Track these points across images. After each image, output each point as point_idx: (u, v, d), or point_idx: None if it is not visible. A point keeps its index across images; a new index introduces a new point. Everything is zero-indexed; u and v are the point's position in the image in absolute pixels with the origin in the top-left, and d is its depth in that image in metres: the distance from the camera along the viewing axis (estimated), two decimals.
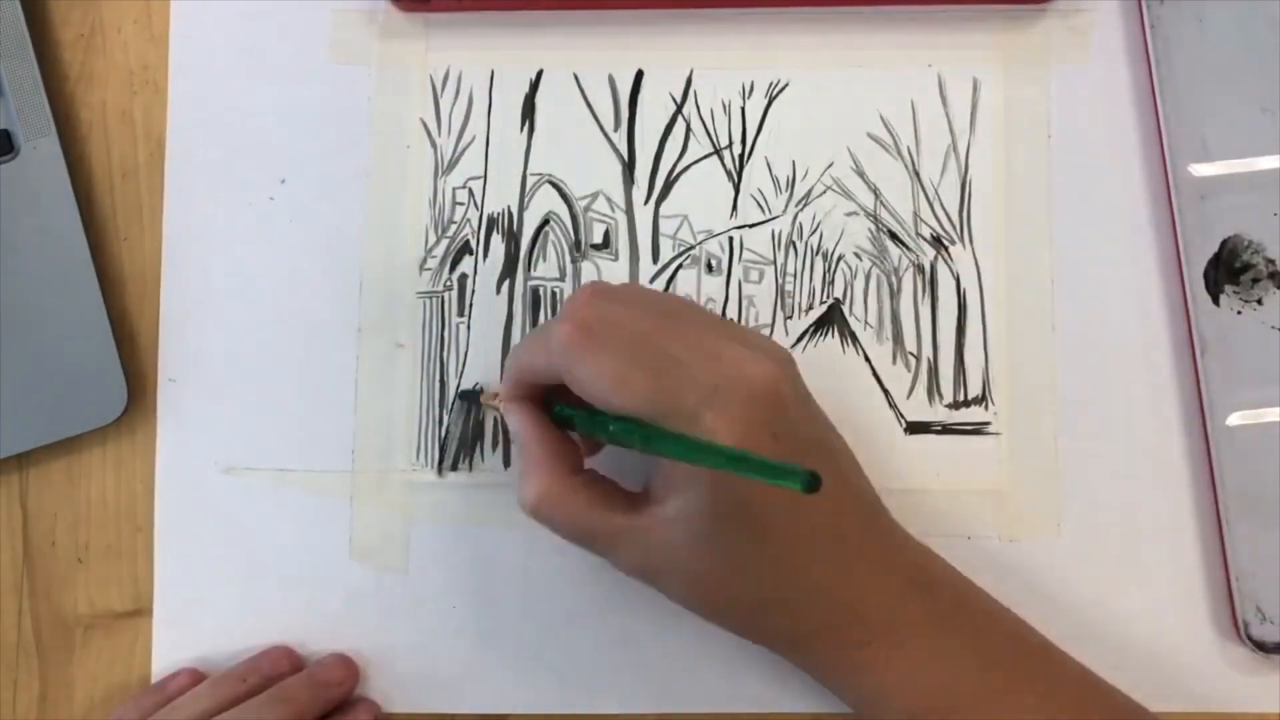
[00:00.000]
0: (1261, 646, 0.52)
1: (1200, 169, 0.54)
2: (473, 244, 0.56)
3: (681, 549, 0.44)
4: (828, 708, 0.54)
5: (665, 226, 0.56)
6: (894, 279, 0.55)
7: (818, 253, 0.56)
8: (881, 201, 0.56)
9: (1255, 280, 0.54)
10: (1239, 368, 0.53)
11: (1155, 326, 0.55)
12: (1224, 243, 0.54)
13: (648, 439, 0.42)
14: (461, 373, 0.55)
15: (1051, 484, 0.54)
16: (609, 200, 0.56)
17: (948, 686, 0.45)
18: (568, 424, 0.48)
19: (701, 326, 0.45)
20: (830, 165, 0.56)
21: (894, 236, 0.56)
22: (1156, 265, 0.55)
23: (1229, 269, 0.54)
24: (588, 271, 0.56)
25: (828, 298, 0.56)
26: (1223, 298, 0.54)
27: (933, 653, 0.45)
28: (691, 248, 0.56)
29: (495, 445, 0.55)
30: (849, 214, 0.56)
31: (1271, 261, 0.54)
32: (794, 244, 0.56)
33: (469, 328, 0.55)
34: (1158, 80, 0.54)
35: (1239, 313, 0.54)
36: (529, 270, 0.56)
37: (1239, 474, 0.53)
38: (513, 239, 0.56)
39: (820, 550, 0.45)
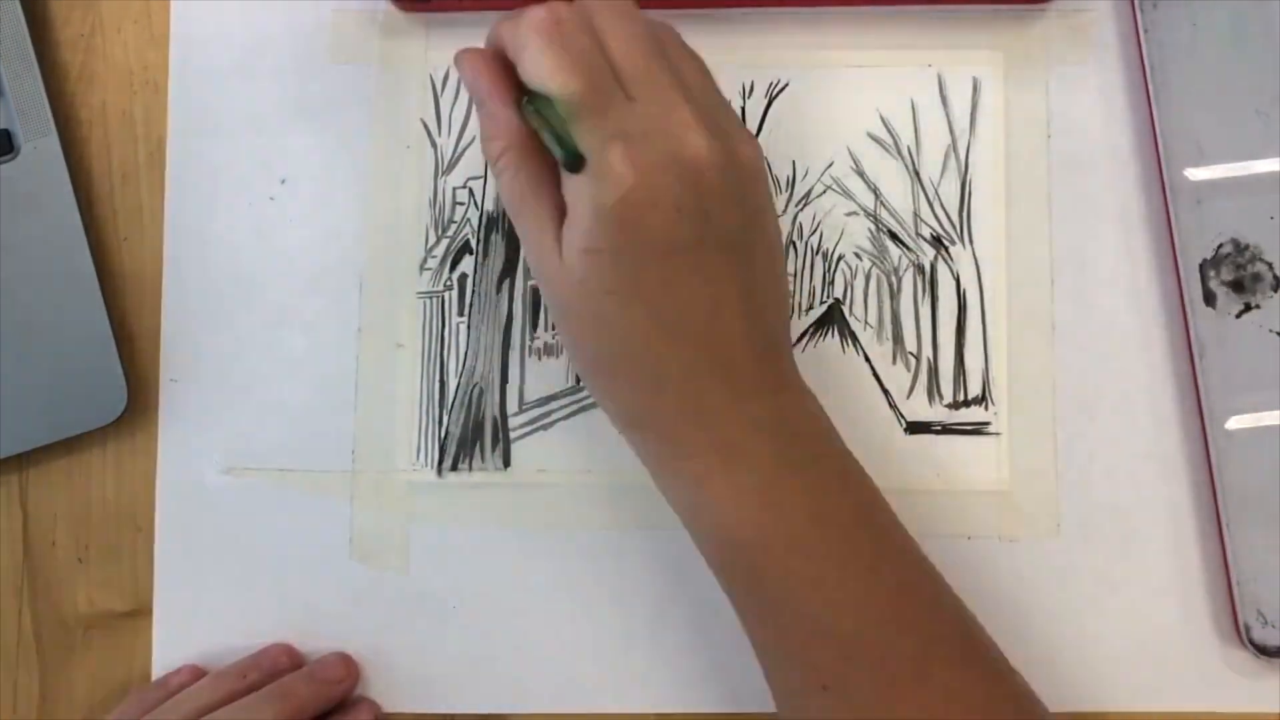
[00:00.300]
0: (1263, 650, 0.52)
1: (1196, 173, 0.54)
2: (473, 244, 0.56)
3: (568, 283, 0.43)
4: None
5: None
6: (894, 279, 0.56)
7: (818, 253, 0.56)
8: (881, 201, 0.56)
9: (1253, 284, 0.54)
10: (1237, 371, 0.53)
11: (1154, 328, 0.55)
12: (1220, 246, 0.54)
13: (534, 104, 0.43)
14: (461, 373, 0.55)
15: (1051, 484, 0.54)
16: None
17: (764, 525, 0.44)
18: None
19: (669, 85, 0.43)
20: (830, 165, 0.56)
21: (894, 236, 0.56)
22: (1155, 266, 0.55)
23: (1226, 273, 0.54)
24: None
25: (828, 298, 0.56)
26: (1220, 301, 0.54)
27: (762, 489, 0.44)
28: None
29: (495, 445, 0.55)
30: (849, 214, 0.56)
31: (1269, 265, 0.54)
32: (794, 244, 0.56)
33: (469, 328, 0.55)
34: (1152, 85, 0.54)
35: (1237, 316, 0.54)
36: (529, 270, 0.56)
37: (1239, 478, 0.53)
38: (513, 239, 0.56)
39: (692, 339, 0.44)
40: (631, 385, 0.45)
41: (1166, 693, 0.53)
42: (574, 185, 0.42)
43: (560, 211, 0.44)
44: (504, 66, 0.45)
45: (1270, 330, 0.54)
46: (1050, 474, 0.54)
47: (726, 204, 0.43)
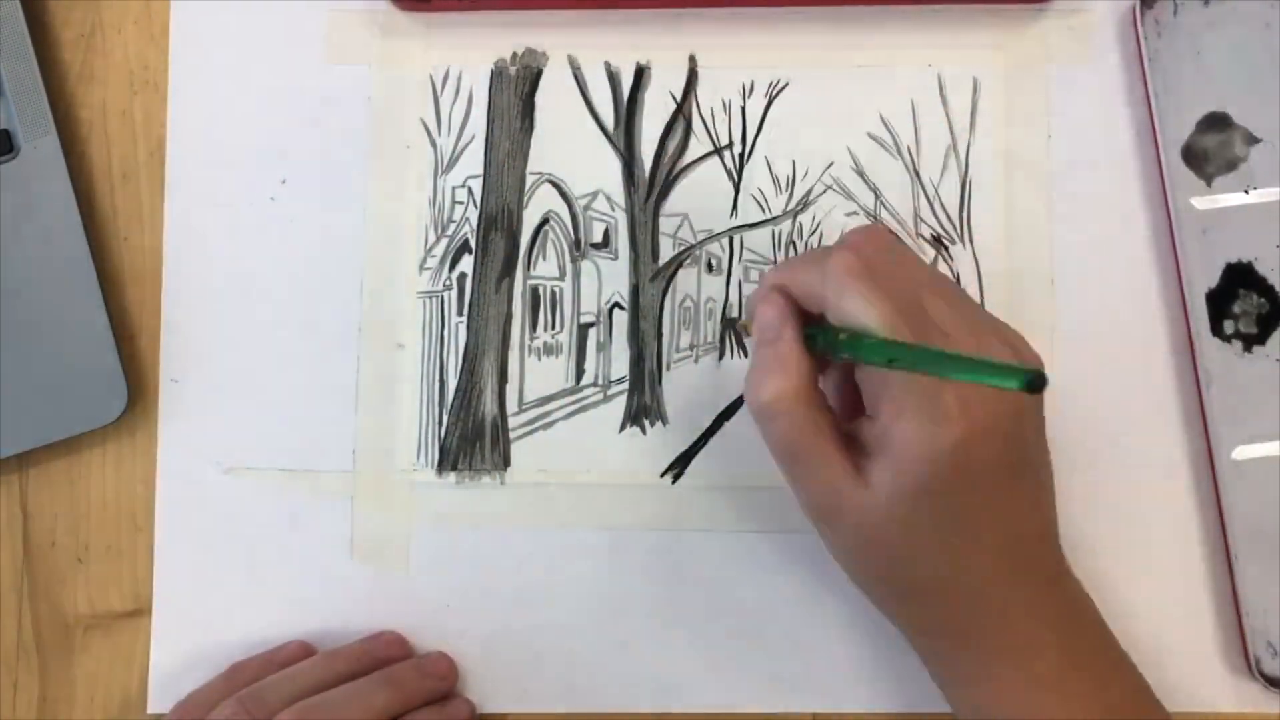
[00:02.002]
0: (1273, 682, 0.52)
1: (1201, 202, 0.54)
2: (472, 243, 0.56)
3: (879, 522, 0.43)
4: (828, 708, 0.54)
5: (665, 226, 0.56)
6: None
7: None
8: (882, 201, 0.56)
9: (1260, 313, 0.54)
10: (1244, 401, 0.53)
11: (1156, 326, 0.55)
12: (1225, 275, 0.54)
13: (891, 353, 0.41)
14: (461, 372, 0.55)
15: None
16: (609, 199, 0.56)
17: (1057, 716, 0.44)
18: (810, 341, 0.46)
19: (972, 314, 0.44)
20: (830, 165, 0.56)
21: None
22: (1158, 267, 0.55)
23: (1232, 302, 0.54)
24: (587, 270, 0.56)
25: None
26: (1226, 331, 0.54)
27: (1058, 687, 0.45)
28: (692, 247, 0.56)
29: (495, 445, 0.55)
30: (849, 214, 0.56)
31: (1276, 293, 0.54)
32: (794, 244, 0.56)
33: (469, 327, 0.55)
34: (1157, 113, 0.54)
35: (1244, 346, 0.54)
36: (529, 269, 0.56)
37: (1247, 509, 0.53)
38: (512, 238, 0.56)
39: (997, 550, 0.44)
40: (932, 602, 0.45)
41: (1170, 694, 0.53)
42: (898, 429, 0.42)
43: (843, 445, 0.44)
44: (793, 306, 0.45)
45: (1278, 360, 0.54)
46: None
47: (1034, 428, 0.45)
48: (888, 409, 0.42)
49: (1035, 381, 0.34)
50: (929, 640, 0.47)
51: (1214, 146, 0.54)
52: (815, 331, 0.45)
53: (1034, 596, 0.45)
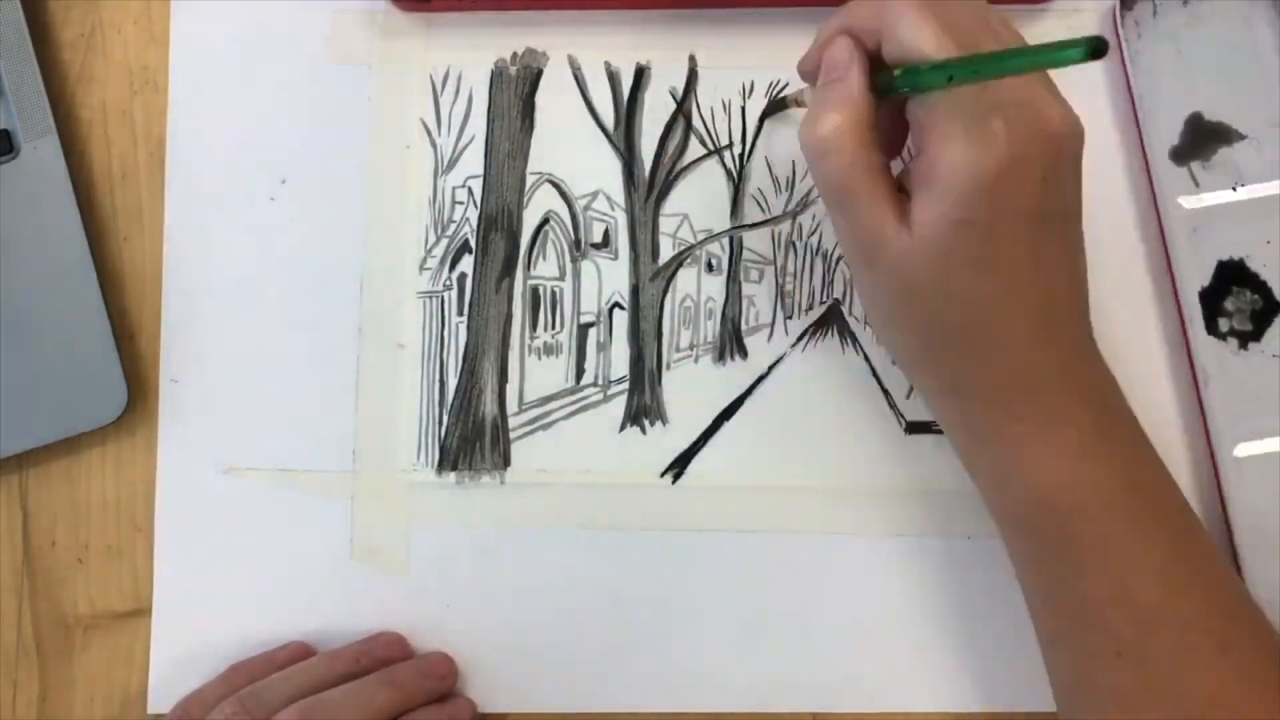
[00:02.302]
0: None
1: (1189, 201, 0.54)
2: (472, 243, 0.56)
3: (919, 261, 0.43)
4: (828, 708, 0.54)
5: (665, 225, 0.56)
6: None
7: (817, 253, 0.56)
8: None
9: (1254, 310, 0.54)
10: (1243, 398, 0.53)
11: (1155, 323, 0.55)
12: (1217, 273, 0.54)
13: (946, 70, 0.41)
14: (461, 372, 0.55)
15: None
16: (609, 199, 0.56)
17: (1081, 486, 0.45)
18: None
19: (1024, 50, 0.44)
20: None
21: None
22: (1155, 266, 0.55)
23: (1226, 300, 0.54)
24: (587, 270, 0.56)
25: (827, 298, 0.56)
26: (1221, 329, 0.54)
27: (1083, 455, 0.45)
28: (692, 247, 0.56)
29: (495, 445, 0.55)
30: None
31: (1270, 290, 0.54)
32: (794, 244, 0.56)
33: (469, 327, 0.55)
34: (1142, 114, 0.54)
35: (1240, 343, 0.54)
36: (529, 269, 0.56)
37: (1250, 506, 0.53)
38: (512, 238, 0.56)
39: (1031, 305, 0.44)
40: (965, 356, 0.45)
41: None
42: (945, 157, 0.42)
43: (893, 190, 0.44)
44: (860, 47, 0.45)
45: (1274, 355, 0.54)
46: None
47: (1074, 173, 0.44)
48: (935, 140, 0.42)
49: (1099, 46, 0.35)
50: (956, 400, 0.47)
51: (1200, 145, 0.55)
52: (879, 74, 0.44)
53: (1065, 362, 0.45)
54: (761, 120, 0.56)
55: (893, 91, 0.44)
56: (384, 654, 0.53)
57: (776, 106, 0.56)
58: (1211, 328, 0.54)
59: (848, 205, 0.44)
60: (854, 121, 0.44)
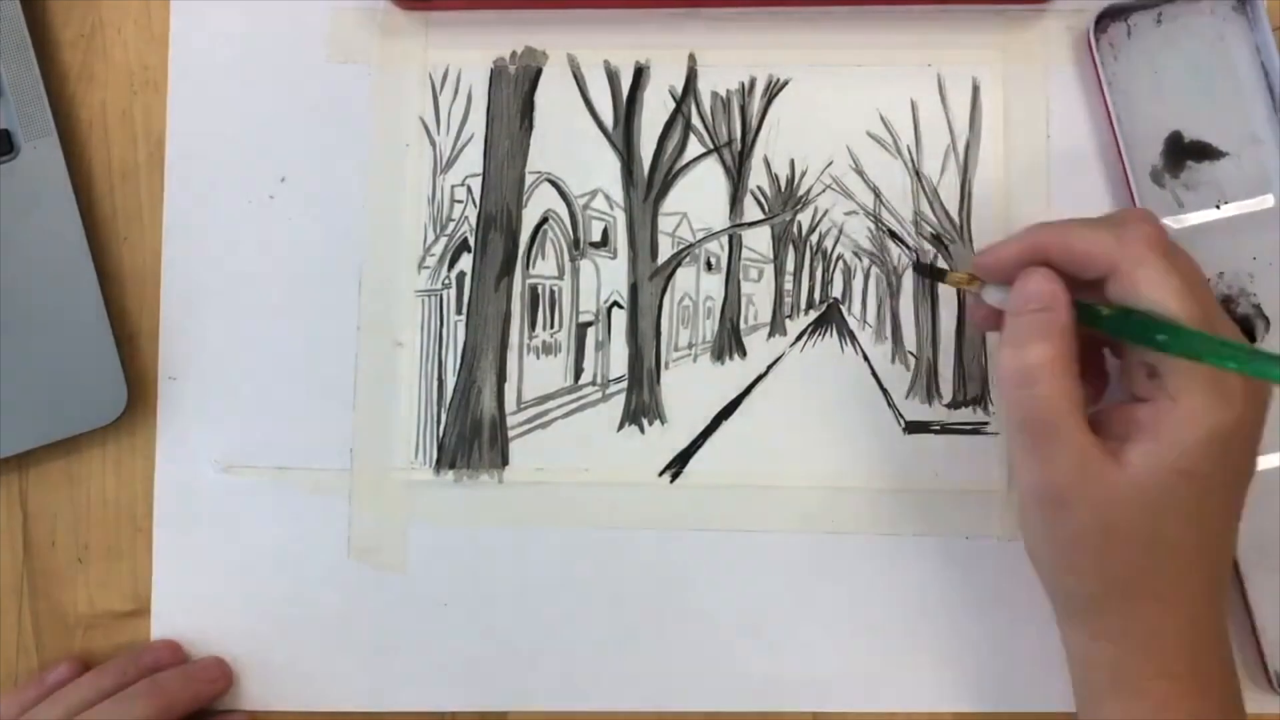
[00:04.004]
0: None
1: (1173, 222, 0.54)
2: (471, 242, 0.56)
3: (1126, 503, 0.42)
4: (828, 708, 0.54)
5: (664, 224, 0.56)
6: (893, 278, 0.55)
7: (817, 252, 0.56)
8: (881, 201, 0.56)
9: (1244, 326, 0.54)
10: None
11: None
12: None
13: (1175, 336, 0.41)
14: (460, 371, 0.55)
15: None
16: (608, 198, 0.56)
17: None
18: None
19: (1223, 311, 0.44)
20: (830, 164, 0.56)
21: (894, 236, 0.56)
22: None
23: None
24: (586, 269, 0.56)
25: (827, 297, 0.56)
26: None
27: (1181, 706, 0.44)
28: (691, 246, 0.56)
29: (493, 444, 0.55)
30: (848, 213, 0.56)
31: (1257, 306, 0.54)
32: (793, 243, 0.56)
33: (468, 326, 0.55)
34: (1121, 136, 0.54)
35: None
36: (528, 268, 0.56)
37: (1252, 523, 0.52)
38: (511, 237, 0.56)
39: (1212, 563, 0.44)
40: (1139, 603, 0.44)
41: None
42: (1184, 406, 0.41)
43: (1086, 425, 0.43)
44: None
45: None
46: None
47: (1254, 450, 0.44)
48: (1174, 384, 0.42)
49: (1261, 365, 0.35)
50: (1109, 646, 0.45)
51: (1180, 164, 0.55)
52: (1086, 304, 0.44)
53: (1221, 624, 0.45)
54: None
55: (1095, 326, 0.43)
56: (152, 663, 0.53)
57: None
58: None
59: (1047, 440, 0.43)
60: (1062, 354, 0.43)
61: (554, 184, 0.56)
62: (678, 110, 0.56)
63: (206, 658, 0.54)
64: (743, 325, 0.56)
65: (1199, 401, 0.41)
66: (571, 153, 0.56)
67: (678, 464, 0.55)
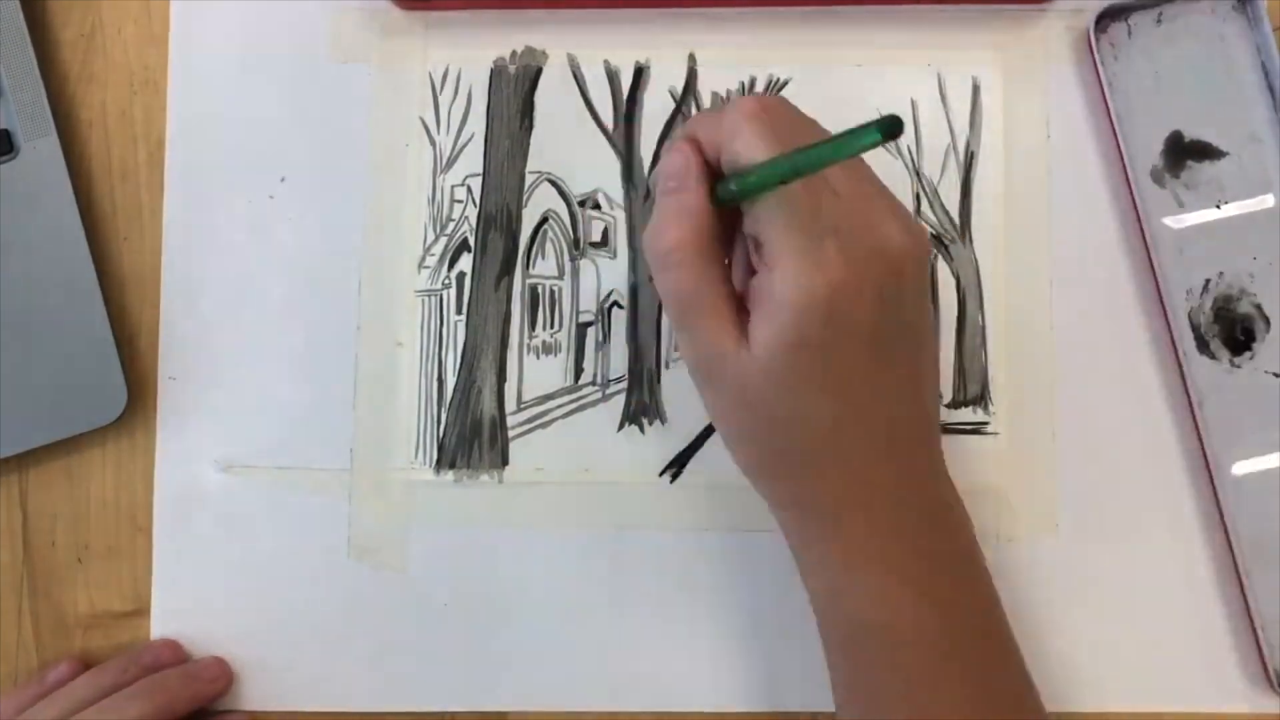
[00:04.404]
0: None
1: (1174, 221, 0.54)
2: (471, 242, 0.56)
3: (757, 382, 0.42)
4: (828, 707, 0.54)
5: None
6: None
7: None
8: None
9: (1244, 327, 0.54)
10: (1238, 417, 0.53)
11: (1157, 328, 0.55)
12: (1207, 290, 0.54)
13: (766, 173, 0.41)
14: (460, 371, 0.55)
15: (1049, 484, 0.54)
16: (608, 198, 0.56)
17: (902, 614, 0.44)
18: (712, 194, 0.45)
19: (864, 180, 0.44)
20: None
21: None
22: (1142, 290, 0.55)
23: (1216, 319, 0.54)
24: (586, 269, 0.56)
25: None
26: (1214, 347, 0.54)
27: (909, 580, 0.44)
28: None
29: (493, 444, 0.55)
30: None
31: (1257, 306, 0.54)
32: None
33: (468, 326, 0.55)
34: (1121, 135, 0.54)
35: (1232, 361, 0.54)
36: (527, 268, 0.56)
37: (1252, 524, 0.53)
38: (511, 237, 0.56)
39: (872, 426, 0.43)
40: (804, 472, 0.44)
41: (1169, 695, 0.53)
42: (779, 277, 0.41)
43: (734, 306, 0.43)
44: (699, 154, 0.44)
45: (1267, 372, 0.54)
46: (1048, 474, 0.54)
47: (917, 293, 0.44)
48: (770, 259, 0.41)
49: (891, 125, 0.34)
50: (795, 514, 0.46)
51: (1181, 164, 0.55)
52: (718, 184, 0.44)
53: (903, 485, 0.44)
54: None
55: (731, 201, 0.43)
56: (152, 662, 0.53)
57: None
58: (1203, 347, 0.54)
59: (688, 320, 0.44)
60: (696, 234, 0.43)
61: (554, 184, 0.56)
62: (678, 110, 0.56)
63: (206, 657, 0.54)
64: None
65: (791, 269, 0.41)
66: (571, 152, 0.56)
67: (678, 464, 0.55)
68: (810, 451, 0.44)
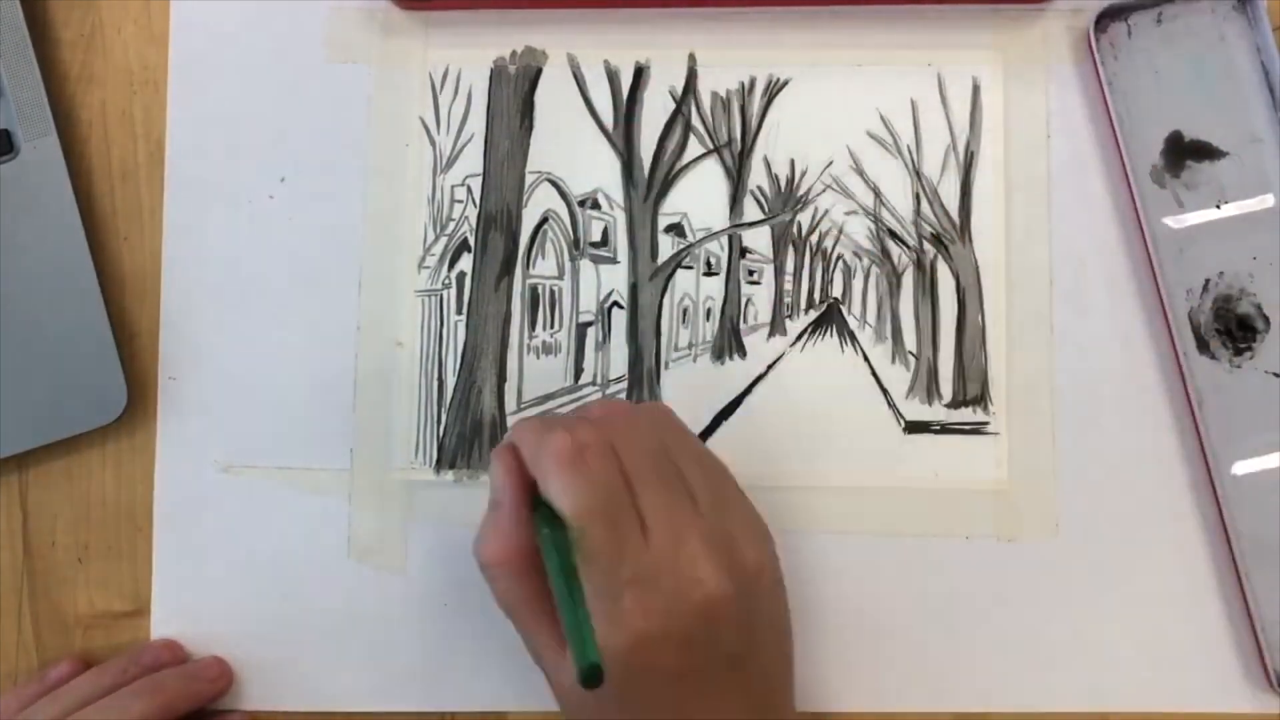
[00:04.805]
0: None
1: (1174, 221, 0.54)
2: (471, 242, 0.56)
3: (577, 701, 0.44)
4: (827, 707, 0.54)
5: (664, 225, 0.56)
6: (893, 278, 0.55)
7: (817, 252, 0.56)
8: (881, 200, 0.56)
9: (1244, 326, 0.54)
10: (1239, 416, 0.53)
11: (1156, 326, 0.55)
12: (1207, 290, 0.54)
13: (549, 561, 0.42)
14: (460, 371, 0.55)
15: (1049, 484, 0.54)
16: (608, 198, 0.56)
17: None
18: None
19: (680, 509, 0.43)
20: (830, 164, 0.56)
21: (894, 235, 0.56)
22: (1142, 290, 0.55)
23: (1216, 319, 0.54)
24: (586, 269, 0.56)
25: (827, 297, 0.56)
26: (1214, 347, 0.54)
27: None
28: (690, 246, 0.56)
29: (493, 443, 0.55)
30: (849, 213, 0.56)
31: (1257, 305, 0.54)
32: (793, 243, 0.56)
33: (468, 326, 0.55)
34: (1122, 137, 0.54)
35: (1232, 361, 0.54)
36: (527, 268, 0.56)
37: (1252, 524, 0.53)
38: (511, 237, 0.56)
39: None
40: None
41: (1169, 695, 0.53)
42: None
43: (554, 621, 0.44)
44: (525, 472, 0.45)
45: (1266, 372, 0.54)
46: (1049, 474, 0.54)
47: (736, 627, 0.43)
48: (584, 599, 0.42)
49: (587, 675, 0.37)
50: None
51: (1181, 164, 0.55)
52: (536, 502, 0.44)
53: None
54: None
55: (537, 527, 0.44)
56: (152, 661, 0.53)
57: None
58: (1203, 347, 0.54)
59: (516, 624, 0.45)
60: (510, 553, 0.44)
61: (554, 184, 0.56)
62: (678, 110, 0.56)
63: (206, 657, 0.54)
64: (743, 325, 0.56)
65: (594, 620, 0.41)
66: (571, 153, 0.56)
67: None
68: None
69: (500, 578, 0.45)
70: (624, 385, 0.55)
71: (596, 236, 0.56)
